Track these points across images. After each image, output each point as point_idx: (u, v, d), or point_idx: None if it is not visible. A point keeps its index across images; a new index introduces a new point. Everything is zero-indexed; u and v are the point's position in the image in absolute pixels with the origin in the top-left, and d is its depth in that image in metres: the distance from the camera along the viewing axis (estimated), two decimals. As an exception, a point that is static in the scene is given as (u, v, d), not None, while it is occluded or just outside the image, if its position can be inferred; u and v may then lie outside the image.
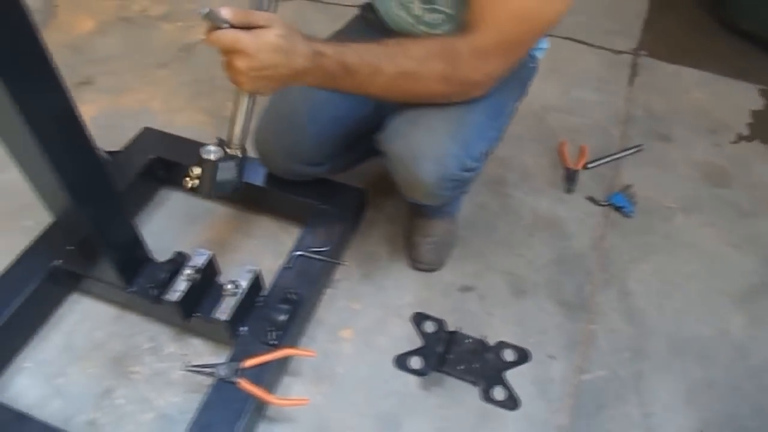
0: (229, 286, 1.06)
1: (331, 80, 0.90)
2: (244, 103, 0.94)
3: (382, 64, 0.90)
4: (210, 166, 0.97)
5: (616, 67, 1.90)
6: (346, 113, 1.21)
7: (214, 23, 0.81)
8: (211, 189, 0.99)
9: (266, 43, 0.81)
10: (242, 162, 1.01)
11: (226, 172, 0.99)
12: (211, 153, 0.97)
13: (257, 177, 1.36)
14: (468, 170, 1.04)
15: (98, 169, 0.98)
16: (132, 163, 1.39)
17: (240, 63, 0.82)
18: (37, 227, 1.33)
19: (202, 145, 0.99)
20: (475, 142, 1.03)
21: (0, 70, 0.74)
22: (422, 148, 0.99)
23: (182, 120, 1.70)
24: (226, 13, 0.80)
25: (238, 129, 0.97)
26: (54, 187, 0.91)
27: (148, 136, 1.47)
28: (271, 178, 1.35)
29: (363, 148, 1.28)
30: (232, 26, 0.81)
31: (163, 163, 1.42)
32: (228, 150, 0.99)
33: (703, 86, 1.85)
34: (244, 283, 1.08)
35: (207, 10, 0.80)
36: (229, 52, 0.82)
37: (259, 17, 0.82)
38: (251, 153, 1.11)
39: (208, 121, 1.70)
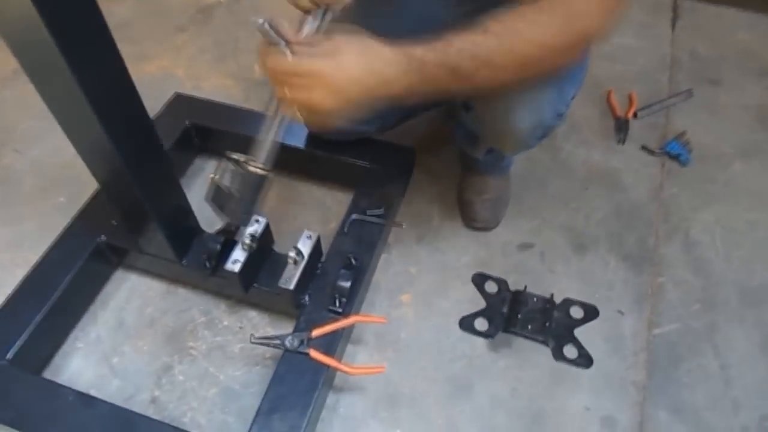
0: (292, 254, 1.01)
1: (434, 85, 0.76)
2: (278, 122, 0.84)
3: (490, 56, 0.75)
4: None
5: (657, 11, 1.80)
6: None
7: (270, 40, 0.71)
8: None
9: (350, 69, 0.70)
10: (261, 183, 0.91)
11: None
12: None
13: (299, 140, 1.30)
14: (560, 115, 0.97)
15: (149, 130, 0.92)
16: (166, 131, 1.32)
17: (322, 99, 0.71)
18: (71, 203, 1.28)
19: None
20: (568, 85, 0.96)
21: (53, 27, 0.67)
22: (516, 95, 0.91)
23: (209, 85, 1.62)
24: (288, 32, 0.70)
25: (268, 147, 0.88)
26: (104, 150, 0.84)
27: (180, 102, 1.39)
28: (314, 140, 1.28)
29: (409, 104, 1.22)
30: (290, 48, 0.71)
31: (198, 129, 1.35)
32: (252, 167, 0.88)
33: (749, 27, 1.76)
34: (306, 250, 1.03)
35: (263, 21, 0.70)
36: (298, 84, 0.72)
37: (327, 40, 0.72)
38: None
39: (236, 85, 1.62)
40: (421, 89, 0.76)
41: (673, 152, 1.41)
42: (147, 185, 0.93)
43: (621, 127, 1.47)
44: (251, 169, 0.89)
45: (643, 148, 1.44)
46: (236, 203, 0.92)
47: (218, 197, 0.92)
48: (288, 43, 0.72)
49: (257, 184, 0.91)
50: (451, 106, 1.39)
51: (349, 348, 1.11)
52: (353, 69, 0.72)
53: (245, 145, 1.33)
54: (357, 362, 1.10)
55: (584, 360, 1.10)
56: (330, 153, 1.27)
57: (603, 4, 0.76)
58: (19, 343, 1.00)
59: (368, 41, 0.74)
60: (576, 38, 0.78)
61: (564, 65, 0.82)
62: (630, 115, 1.50)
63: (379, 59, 0.73)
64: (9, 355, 0.98)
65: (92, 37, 0.75)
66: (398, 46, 0.74)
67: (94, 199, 1.21)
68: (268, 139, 0.88)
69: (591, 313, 1.16)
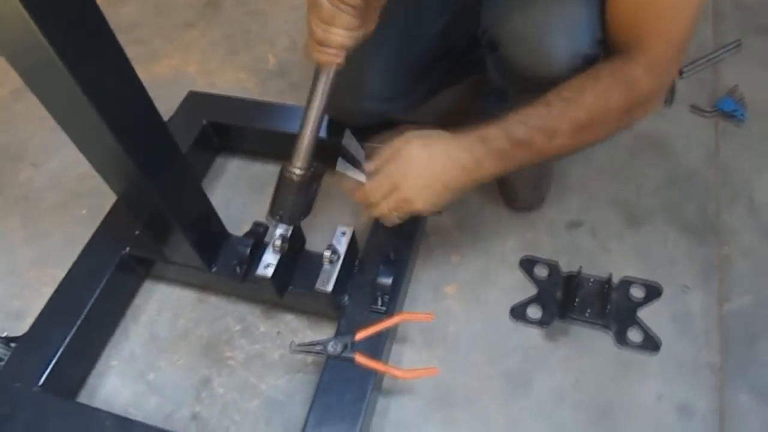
0: (327, 253, 0.94)
1: (506, 161, 0.81)
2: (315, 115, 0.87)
3: (557, 125, 0.79)
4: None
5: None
6: (412, 34, 1.07)
7: (345, 156, 0.85)
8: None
9: (419, 173, 0.81)
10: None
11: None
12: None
13: (321, 129, 1.21)
14: (599, 42, 0.85)
15: (163, 135, 0.85)
16: (183, 132, 1.25)
17: (408, 205, 0.84)
18: (93, 215, 1.23)
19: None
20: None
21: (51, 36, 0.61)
22: (550, 18, 0.82)
23: (223, 81, 1.55)
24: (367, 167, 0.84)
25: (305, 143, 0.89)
26: (118, 160, 0.78)
27: (195, 100, 1.32)
28: (336, 128, 1.20)
29: (434, 77, 1.16)
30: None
31: (216, 127, 1.28)
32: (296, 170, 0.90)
33: (795, -34, 1.62)
34: (342, 248, 0.96)
35: (350, 138, 0.85)
36: (383, 203, 0.85)
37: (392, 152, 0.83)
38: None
39: (250, 78, 1.55)
40: (496, 166, 0.82)
41: (727, 110, 1.30)
42: (166, 192, 0.87)
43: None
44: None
45: (693, 108, 1.33)
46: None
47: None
48: (359, 163, 0.84)
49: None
50: (477, 79, 1.31)
51: (395, 348, 1.04)
52: (422, 173, 0.81)
53: (266, 139, 1.28)
54: (404, 363, 1.03)
55: (651, 344, 1.01)
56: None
57: (658, 69, 0.78)
58: (50, 367, 0.95)
59: (416, 140, 0.83)
60: (631, 101, 0.79)
61: (634, 117, 0.83)
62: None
63: (444, 153, 0.82)
64: (41, 381, 0.93)
65: (95, 44, 0.69)
66: (465, 133, 0.82)
67: (115, 209, 1.15)
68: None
69: (653, 291, 1.07)
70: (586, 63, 0.83)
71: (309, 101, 0.86)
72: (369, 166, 0.87)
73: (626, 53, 0.79)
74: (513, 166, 0.82)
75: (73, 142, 0.80)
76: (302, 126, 0.88)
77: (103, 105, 0.71)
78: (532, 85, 0.90)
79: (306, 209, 0.94)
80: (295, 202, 0.91)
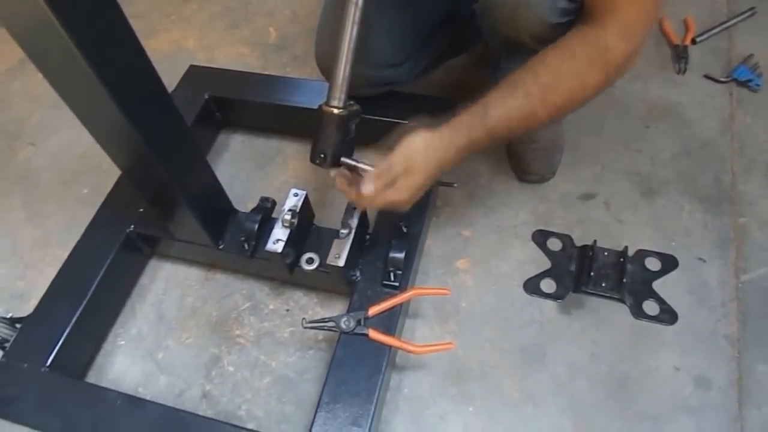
0: (340, 229, 0.92)
1: (487, 144, 0.84)
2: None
3: (535, 112, 0.81)
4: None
5: None
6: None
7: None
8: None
9: (416, 180, 0.83)
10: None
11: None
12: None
13: (320, 100, 1.18)
14: None
15: (169, 106, 0.82)
16: (185, 108, 1.21)
17: (400, 204, 0.86)
18: (94, 194, 1.21)
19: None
20: None
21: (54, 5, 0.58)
22: None
23: (223, 55, 1.51)
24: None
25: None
26: (124, 132, 0.75)
27: (196, 75, 1.29)
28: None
29: (438, 44, 1.14)
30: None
31: (218, 102, 1.25)
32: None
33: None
34: (353, 222, 0.93)
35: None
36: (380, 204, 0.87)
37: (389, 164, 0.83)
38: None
39: (252, 53, 1.51)
40: (477, 149, 0.85)
41: (742, 78, 1.27)
42: (173, 165, 0.84)
43: (679, 56, 1.32)
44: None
45: (707, 76, 1.29)
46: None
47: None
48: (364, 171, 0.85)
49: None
50: (484, 49, 1.28)
51: (407, 323, 1.02)
52: (418, 179, 0.84)
53: (270, 113, 1.25)
54: (417, 338, 1.01)
55: (667, 315, 1.00)
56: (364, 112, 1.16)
57: (630, 34, 0.77)
58: (57, 347, 0.93)
59: (418, 142, 0.83)
60: (608, 72, 0.80)
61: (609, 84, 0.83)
62: (688, 41, 1.35)
63: (434, 155, 0.83)
64: (48, 361, 0.92)
65: (99, 12, 0.66)
66: (446, 128, 0.83)
67: (118, 187, 1.13)
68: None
69: (669, 263, 1.05)
70: (564, 15, 0.83)
71: (341, 33, 0.84)
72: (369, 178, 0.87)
73: (600, 18, 0.78)
74: (494, 144, 0.86)
75: (77, 116, 0.77)
76: (337, 59, 0.86)
77: (107, 75, 0.68)
78: (516, 45, 0.89)
79: (348, 149, 0.90)
80: (337, 140, 0.88)
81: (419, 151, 0.83)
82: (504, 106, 0.81)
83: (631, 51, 0.79)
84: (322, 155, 0.88)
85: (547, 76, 0.80)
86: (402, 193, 0.84)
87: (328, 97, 0.88)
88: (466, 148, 0.84)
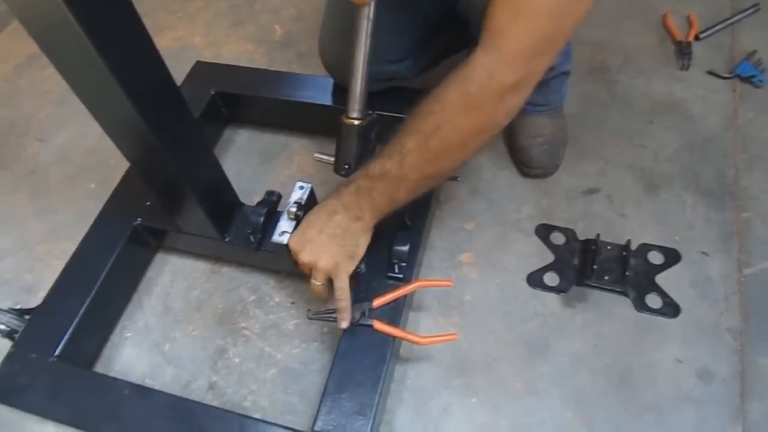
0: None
1: (393, 200, 0.85)
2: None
3: (407, 176, 0.81)
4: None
5: None
6: None
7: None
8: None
9: (326, 250, 0.85)
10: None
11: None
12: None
13: (325, 95, 1.20)
14: None
15: (178, 99, 0.83)
16: (191, 103, 1.22)
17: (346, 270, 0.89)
18: (102, 188, 1.22)
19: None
20: None
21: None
22: None
23: (229, 52, 1.52)
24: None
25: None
26: (134, 124, 0.76)
27: (202, 70, 1.30)
28: (343, 94, 1.18)
29: (440, 40, 1.15)
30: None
31: (225, 98, 1.26)
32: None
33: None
34: (358, 214, 0.94)
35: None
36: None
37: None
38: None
39: (257, 49, 1.52)
40: (390, 204, 0.85)
41: (745, 74, 1.27)
42: (181, 158, 0.85)
43: (682, 52, 1.33)
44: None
45: (710, 72, 1.30)
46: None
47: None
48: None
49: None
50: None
51: (412, 316, 1.03)
52: (328, 241, 0.85)
53: (276, 109, 1.26)
54: (421, 331, 1.02)
55: (670, 309, 1.00)
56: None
57: (518, 62, 0.72)
58: (65, 338, 0.94)
59: (326, 212, 0.86)
60: (492, 103, 0.76)
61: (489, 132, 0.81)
62: (691, 37, 1.35)
63: (341, 224, 0.85)
64: (57, 351, 0.93)
65: (110, 3, 0.66)
66: (346, 185, 0.85)
67: (125, 181, 1.14)
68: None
69: (672, 257, 1.06)
70: None
71: (354, 46, 0.86)
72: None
73: (488, 44, 0.73)
74: (400, 199, 0.85)
75: (87, 108, 0.78)
76: (353, 72, 0.88)
77: (119, 68, 0.69)
78: None
79: (370, 157, 0.91)
80: (359, 150, 0.91)
81: (316, 224, 0.86)
82: (381, 183, 0.82)
83: (519, 79, 0.73)
84: (347, 165, 0.91)
85: (419, 136, 0.78)
86: (331, 264, 0.86)
87: (347, 109, 0.91)
88: (380, 206, 0.85)
